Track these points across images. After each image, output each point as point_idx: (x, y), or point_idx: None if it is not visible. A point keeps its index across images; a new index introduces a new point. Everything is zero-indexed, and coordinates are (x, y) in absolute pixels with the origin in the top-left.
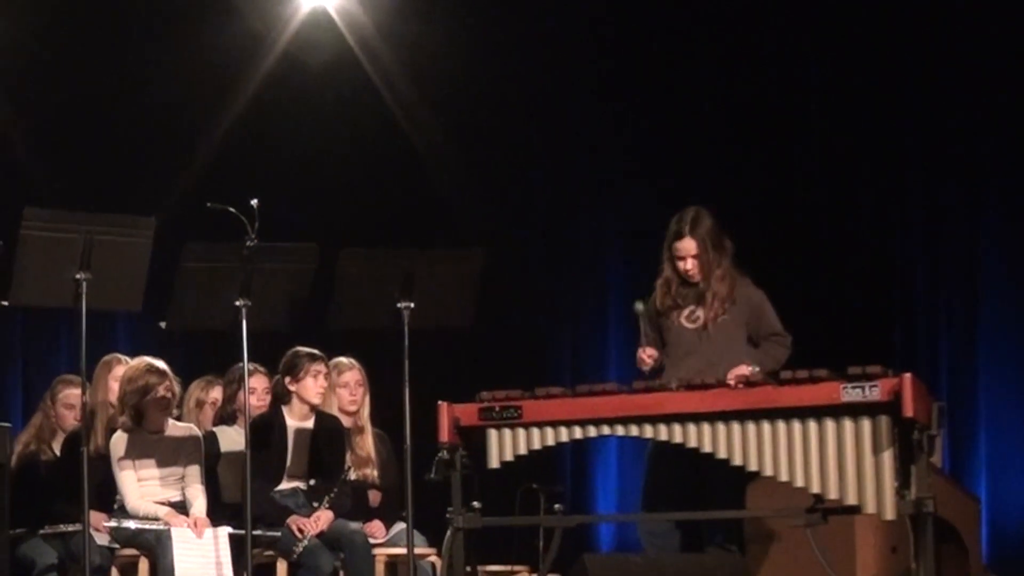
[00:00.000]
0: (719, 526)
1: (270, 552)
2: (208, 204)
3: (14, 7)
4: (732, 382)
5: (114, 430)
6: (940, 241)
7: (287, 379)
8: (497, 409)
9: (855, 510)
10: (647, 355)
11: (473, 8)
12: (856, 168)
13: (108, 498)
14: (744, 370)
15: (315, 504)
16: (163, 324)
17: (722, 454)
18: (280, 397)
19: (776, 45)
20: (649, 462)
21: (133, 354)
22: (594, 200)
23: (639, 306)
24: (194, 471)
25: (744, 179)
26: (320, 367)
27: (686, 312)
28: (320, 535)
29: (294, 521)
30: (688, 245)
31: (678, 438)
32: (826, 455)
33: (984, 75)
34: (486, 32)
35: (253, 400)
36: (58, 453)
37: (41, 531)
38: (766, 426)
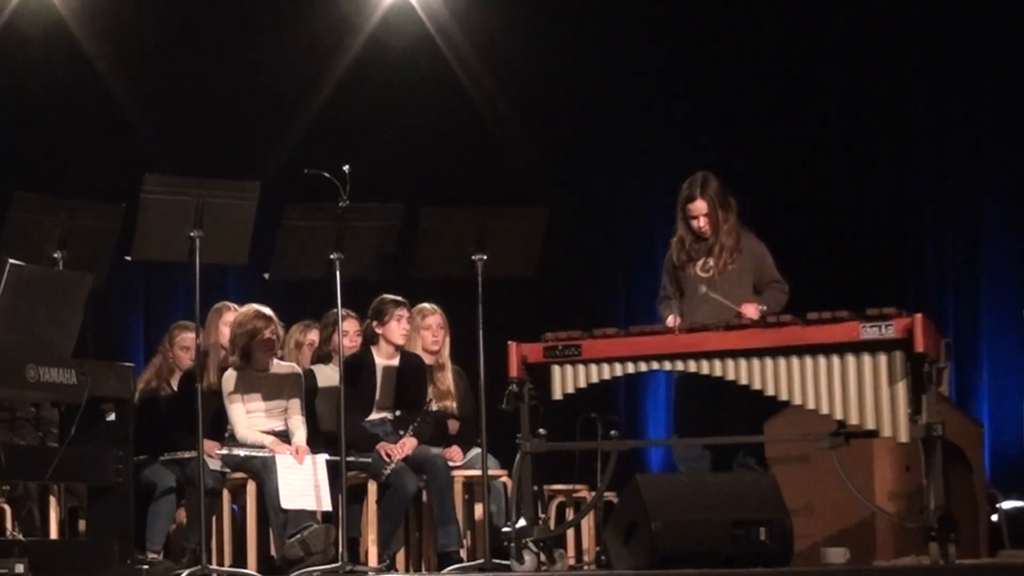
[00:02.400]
0: (748, 450)
1: (363, 475)
2: (306, 170)
3: None
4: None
5: (225, 368)
6: (945, 196)
7: (375, 323)
8: (560, 348)
9: (873, 434)
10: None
11: None
12: (868, 130)
13: (220, 428)
14: (752, 309)
15: (401, 432)
16: (267, 275)
17: (756, 385)
18: (369, 339)
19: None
20: (677, 393)
21: (241, 302)
22: (644, 164)
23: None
24: (295, 404)
25: (769, 143)
26: (403, 312)
27: (699, 264)
28: (406, 459)
29: (383, 447)
30: (700, 205)
31: (718, 372)
32: (847, 386)
33: (987, 23)
34: (550, 17)
35: (346, 341)
36: (176, 389)
37: (161, 458)
38: (795, 361)
